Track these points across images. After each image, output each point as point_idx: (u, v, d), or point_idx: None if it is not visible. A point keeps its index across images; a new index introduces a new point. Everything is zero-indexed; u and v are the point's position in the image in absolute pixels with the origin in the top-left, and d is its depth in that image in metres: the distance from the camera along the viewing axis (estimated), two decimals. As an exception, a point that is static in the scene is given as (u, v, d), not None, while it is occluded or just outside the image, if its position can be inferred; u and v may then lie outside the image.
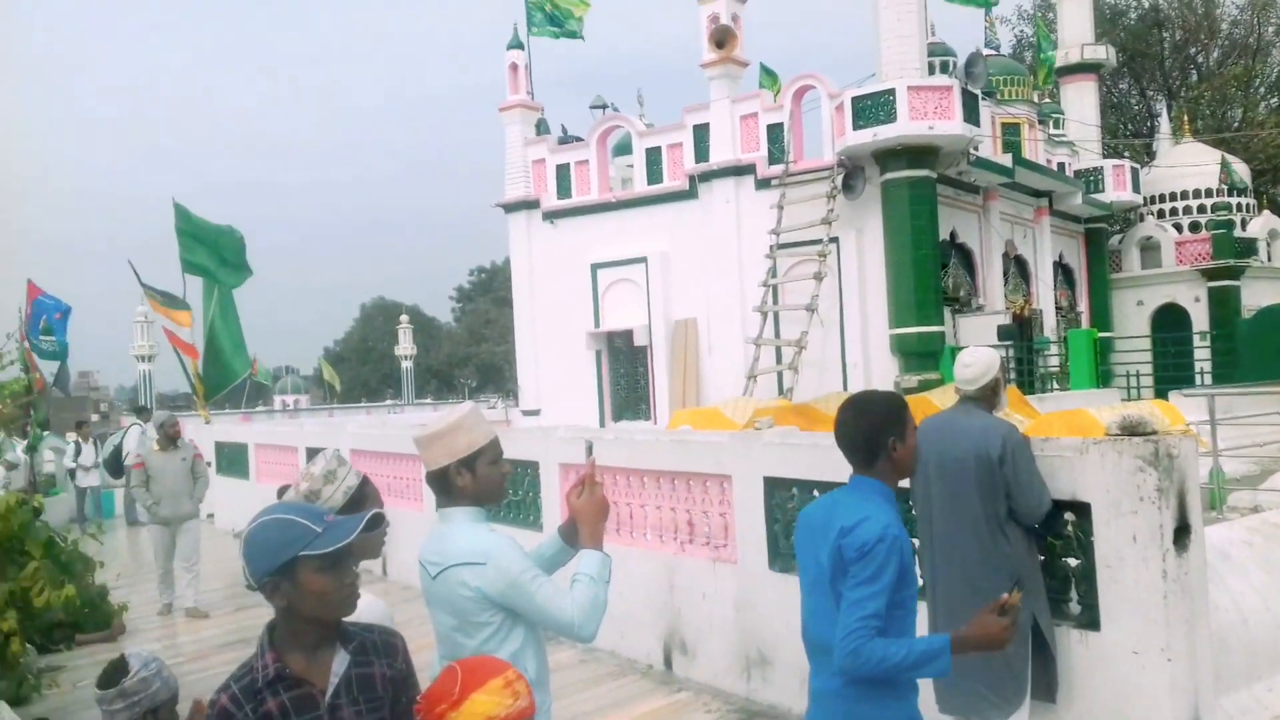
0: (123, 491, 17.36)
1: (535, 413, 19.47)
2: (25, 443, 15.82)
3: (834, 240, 15.04)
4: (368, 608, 2.84)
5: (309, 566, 2.27)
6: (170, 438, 10.07)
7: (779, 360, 15.56)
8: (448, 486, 3.04)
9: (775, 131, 16.15)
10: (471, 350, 61.28)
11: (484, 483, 3.05)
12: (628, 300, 17.80)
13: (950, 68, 16.87)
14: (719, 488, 6.94)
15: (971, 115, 14.65)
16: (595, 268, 18.15)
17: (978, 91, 15.38)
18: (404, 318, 49.51)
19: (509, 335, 50.07)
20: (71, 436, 18.30)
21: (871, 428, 3.10)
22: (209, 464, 11.74)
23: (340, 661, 2.38)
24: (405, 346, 47.08)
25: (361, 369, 65.92)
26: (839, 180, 14.95)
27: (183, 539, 9.92)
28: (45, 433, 17.00)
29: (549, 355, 19.24)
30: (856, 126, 14.35)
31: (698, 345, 17.13)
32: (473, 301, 67.32)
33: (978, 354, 4.56)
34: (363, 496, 3.12)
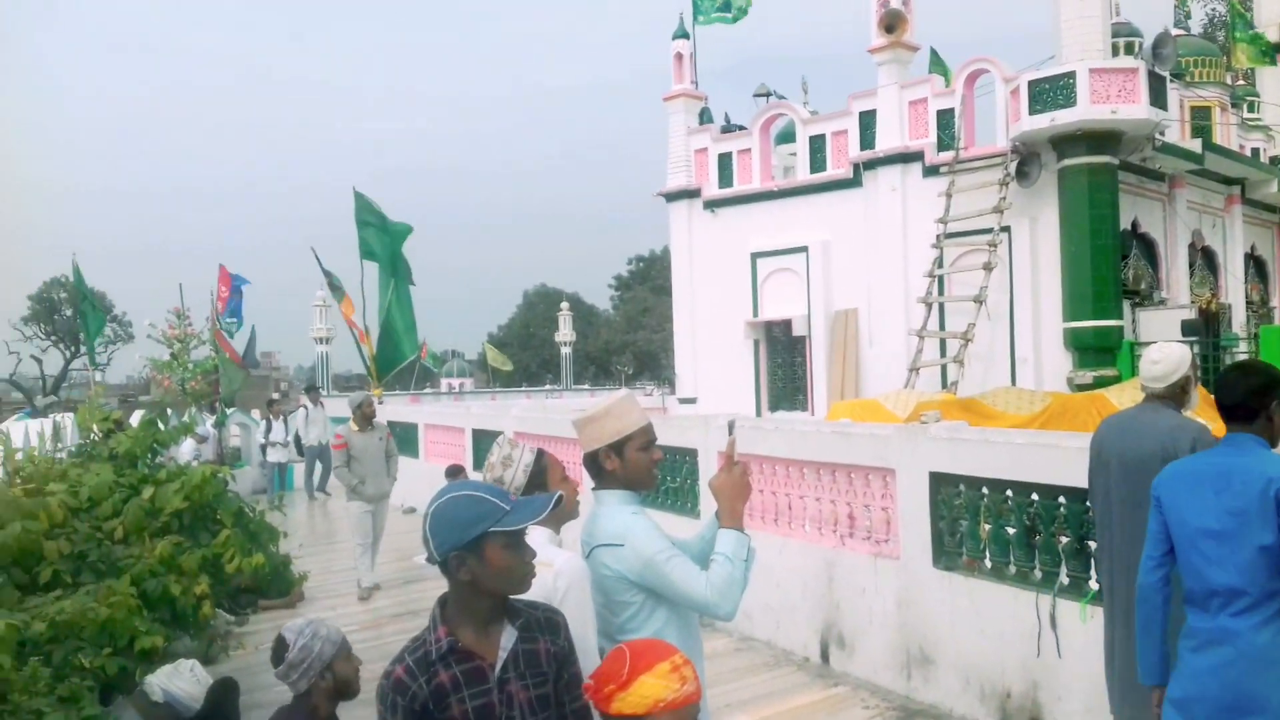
0: (302, 466, 18.26)
1: (692, 401, 19.52)
2: (214, 418, 16.82)
3: (1005, 229, 14.51)
4: (566, 564, 2.96)
5: (496, 543, 2.35)
6: (367, 418, 10.17)
7: (943, 353, 15.15)
8: (599, 470, 3.16)
9: (945, 118, 15.67)
10: (629, 338, 61.87)
11: (632, 467, 3.14)
12: (787, 290, 17.63)
13: (1136, 49, 15.96)
14: (881, 481, 6.83)
15: (1158, 99, 13.86)
16: (755, 257, 18.04)
17: (1165, 73, 14.51)
18: (564, 305, 50.35)
19: (666, 323, 50.40)
20: (257, 414, 19.41)
21: (1257, 388, 3.35)
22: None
23: (508, 637, 2.46)
24: (565, 333, 47.88)
25: (522, 354, 67.45)
26: (1012, 167, 14.40)
27: (381, 515, 10.21)
28: (231, 409, 18.01)
29: (706, 344, 19.25)
30: (1033, 111, 13.79)
31: (858, 336, 16.83)
32: (631, 290, 67.95)
33: (1167, 350, 4.32)
34: (542, 469, 3.24)
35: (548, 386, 51.05)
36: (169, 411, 7.66)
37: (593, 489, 3.23)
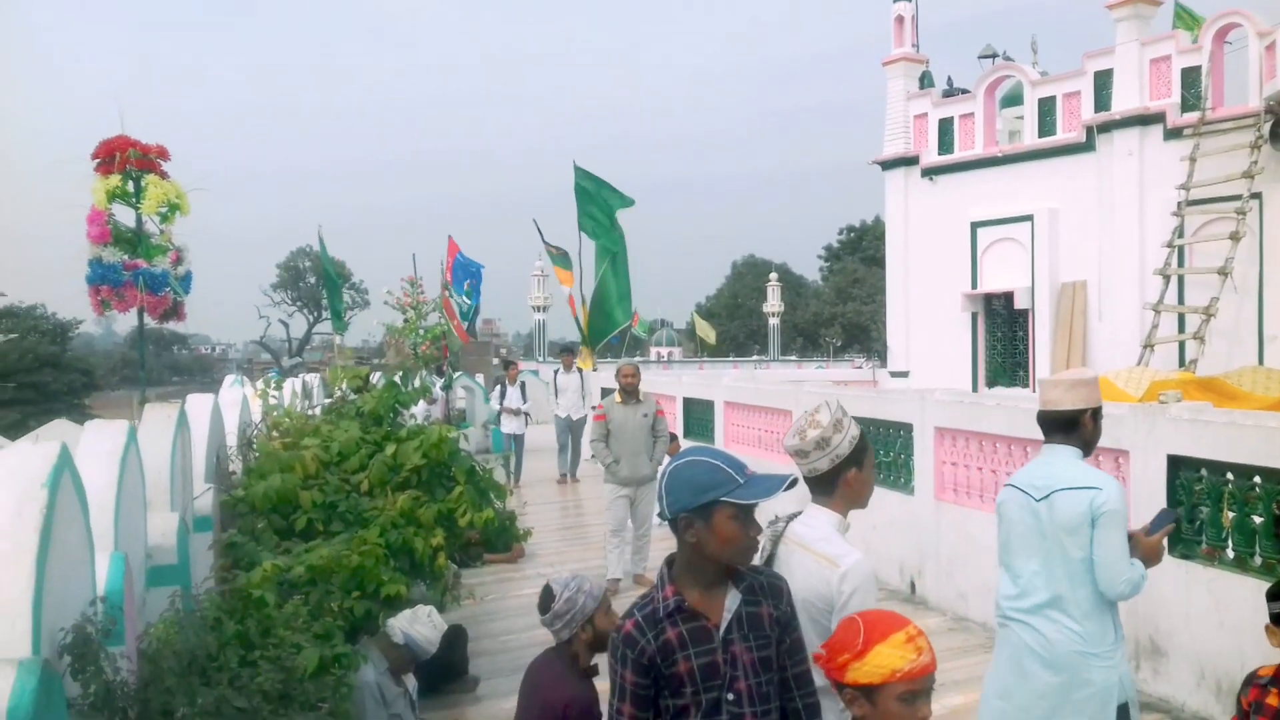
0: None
1: (904, 374, 19.10)
2: (442, 380, 17.68)
3: (1256, 196, 13.39)
4: (855, 567, 2.82)
5: (724, 512, 2.41)
6: (626, 389, 9.06)
7: (1182, 329, 14.18)
8: (1068, 425, 3.58)
9: (1190, 76, 14.57)
10: (837, 309, 60.94)
11: (1091, 434, 3.62)
12: (1009, 260, 16.94)
13: None
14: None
15: None
16: (975, 226, 17.40)
17: None
18: (773, 275, 50.14)
19: (876, 295, 49.37)
20: (481, 378, 19.59)
21: None
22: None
23: (732, 599, 2.52)
24: (773, 304, 47.71)
25: (730, 324, 67.61)
26: (1266, 128, 13.24)
27: (641, 505, 9.06)
28: (458, 373, 18.83)
29: (920, 316, 18.77)
30: (1291, 67, 12.66)
31: (1085, 310, 15.99)
32: (841, 260, 66.82)
33: None
34: (863, 448, 3.02)
35: (755, 357, 51.03)
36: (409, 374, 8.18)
37: (1046, 442, 3.65)
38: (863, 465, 3.00)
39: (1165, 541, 3.68)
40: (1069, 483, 3.48)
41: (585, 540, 11.12)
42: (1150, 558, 3.56)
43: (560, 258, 17.03)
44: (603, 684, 3.86)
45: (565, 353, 16.58)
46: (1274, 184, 13.43)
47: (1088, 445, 3.63)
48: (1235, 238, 13.20)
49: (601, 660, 3.98)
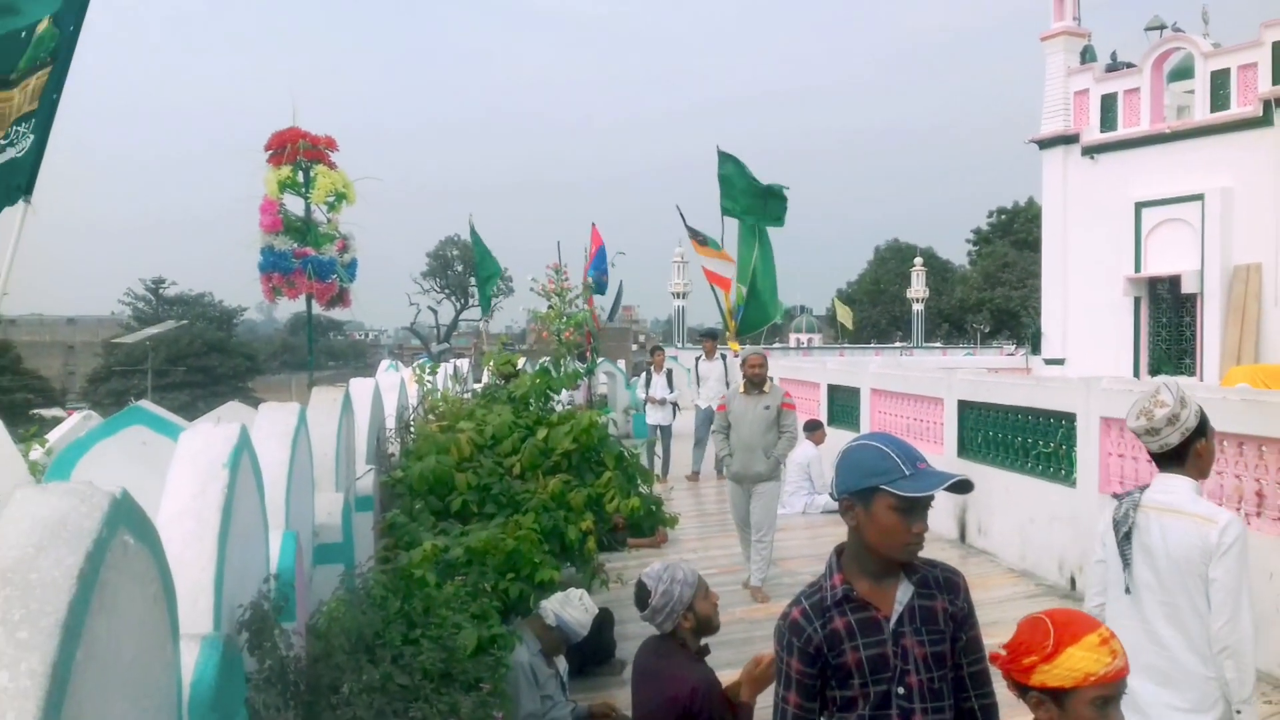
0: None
1: (1059, 362, 18.39)
2: (585, 366, 17.84)
3: None
4: (1231, 522, 3.12)
5: (885, 501, 2.34)
6: (752, 380, 8.27)
7: (1371, 315, 13.21)
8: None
9: (1385, 42, 13.55)
10: (985, 294, 58.99)
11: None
12: (1176, 242, 16.09)
13: None
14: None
15: None
16: (1140, 206, 16.58)
17: None
18: (918, 260, 48.96)
19: (1027, 279, 47.67)
20: (623, 364, 19.11)
21: None
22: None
23: (904, 591, 2.45)
24: (917, 289, 46.62)
25: (871, 310, 66.42)
26: None
27: (755, 504, 8.28)
28: (600, 359, 18.96)
29: (1078, 301, 18.02)
30: None
31: (1260, 294, 15.05)
32: (990, 244, 64.64)
33: None
34: (1205, 420, 3.26)
35: (898, 343, 50.00)
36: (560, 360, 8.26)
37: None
38: (1208, 435, 3.27)
39: None
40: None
41: (727, 527, 11.08)
42: None
43: (706, 240, 16.91)
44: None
45: (707, 337, 15.17)
46: None
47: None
48: None
49: (712, 642, 3.95)
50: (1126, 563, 3.37)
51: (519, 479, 6.22)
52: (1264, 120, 14.93)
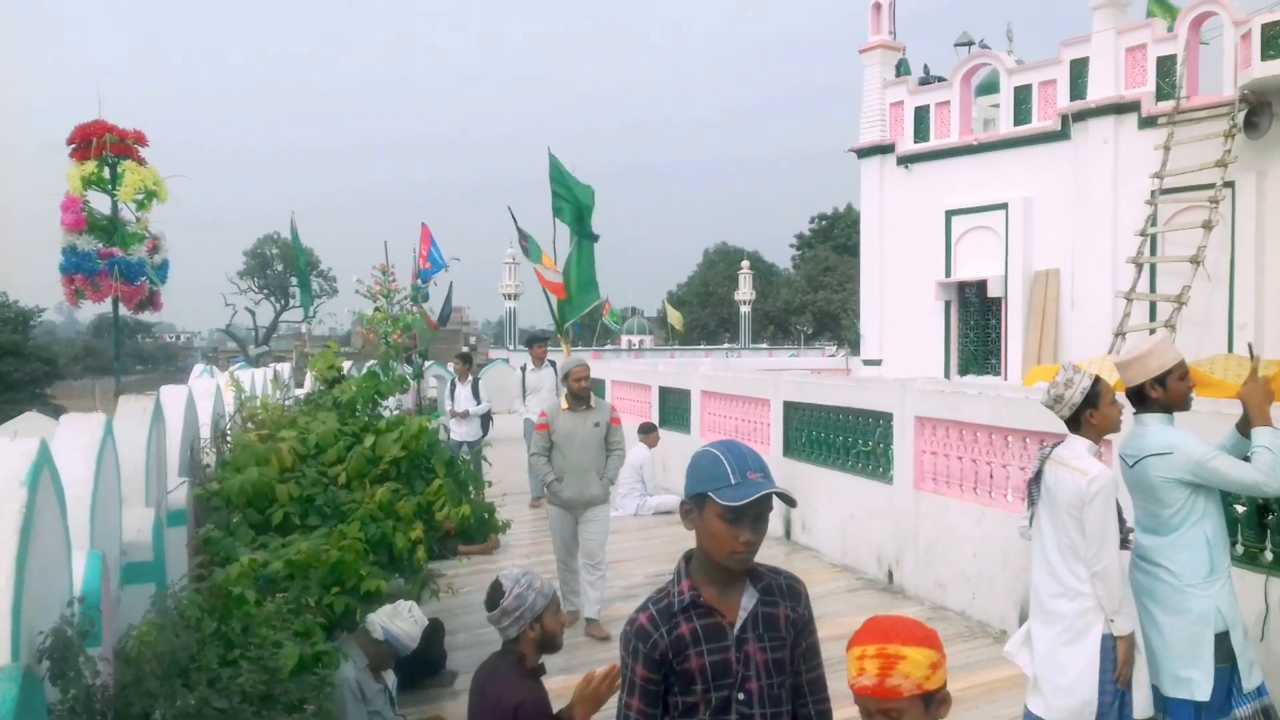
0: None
1: (877, 363, 19.14)
2: (412, 370, 17.41)
3: (1229, 185, 13.48)
4: (1100, 473, 4.02)
5: (713, 508, 2.36)
6: (577, 395, 7.49)
7: (1153, 317, 14.27)
8: (1142, 398, 4.12)
9: (1166, 65, 14.62)
10: (809, 297, 61.07)
11: (1173, 395, 4.09)
12: (983, 249, 16.97)
13: (1392, -15, 14.49)
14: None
15: None
16: (950, 214, 17.42)
17: None
18: (745, 263, 50.14)
19: (847, 283, 49.51)
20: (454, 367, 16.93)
21: None
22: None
23: (749, 598, 2.48)
24: (745, 292, 47.73)
25: (701, 312, 67.66)
26: (1240, 118, 13.32)
27: (586, 531, 7.52)
28: (429, 362, 18.57)
29: (894, 304, 18.79)
30: (1265, 57, 12.68)
31: (1059, 298, 16.05)
32: (813, 248, 66.93)
33: None
34: (1097, 393, 4.09)
35: (726, 345, 51.07)
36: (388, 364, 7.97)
37: (1135, 414, 4.17)
38: (1098, 406, 4.07)
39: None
40: (1151, 450, 4.06)
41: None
42: (1255, 395, 4.06)
43: (534, 245, 16.83)
44: (551, 684, 3.82)
45: (535, 343, 13.42)
46: (1247, 173, 13.53)
47: (1167, 409, 4.13)
48: (1208, 226, 13.28)
49: (550, 660, 3.93)
50: (1032, 500, 4.31)
51: (345, 489, 6.02)
52: (1062, 134, 15.94)
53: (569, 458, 7.39)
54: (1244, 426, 4.12)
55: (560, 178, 15.55)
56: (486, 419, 13.66)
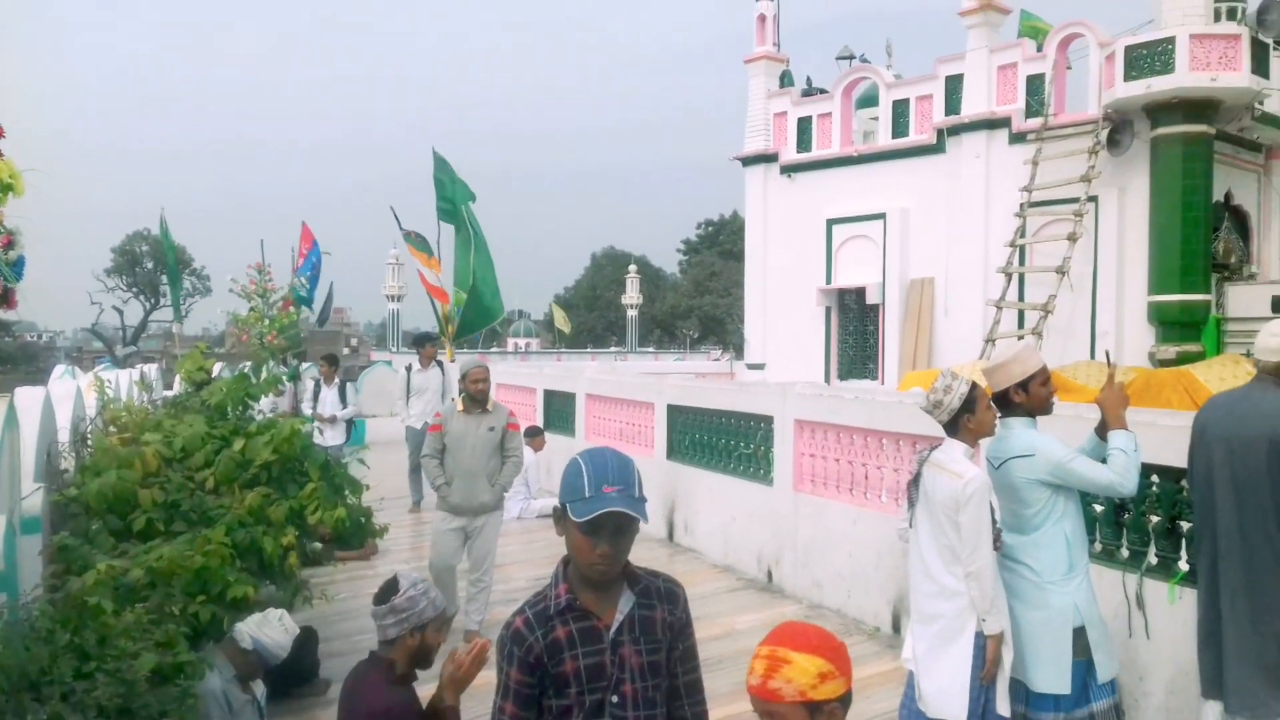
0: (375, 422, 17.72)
1: (760, 367, 19.43)
2: (288, 372, 16.94)
3: (1092, 199, 14.12)
4: (975, 476, 4.09)
5: (570, 520, 2.36)
6: (474, 397, 7.18)
7: (1021, 325, 14.85)
8: (1007, 403, 4.23)
9: (1035, 83, 15.25)
10: (695, 302, 61.68)
11: (1035, 399, 4.21)
12: (863, 257, 17.40)
13: (1239, 14, 15.34)
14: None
15: (1261, 67, 13.31)
16: (831, 223, 17.81)
17: (1269, 40, 13.95)
18: (632, 267, 50.36)
19: (733, 288, 50.13)
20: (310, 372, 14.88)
21: None
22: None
23: (626, 601, 2.48)
24: (632, 296, 47.93)
25: (588, 315, 67.68)
26: (1103, 135, 13.97)
27: (477, 540, 7.27)
28: (305, 364, 18.12)
29: (777, 310, 19.11)
30: (1128, 77, 13.33)
31: (933, 306, 16.56)
32: (699, 254, 67.63)
33: None
34: (974, 399, 4.18)
35: (613, 349, 51.18)
36: (259, 365, 7.67)
37: (1000, 418, 4.25)
38: (975, 411, 4.17)
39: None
40: (1014, 453, 4.18)
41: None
42: (1111, 400, 4.24)
43: (420, 243, 16.61)
44: (425, 690, 3.76)
45: (425, 342, 12.82)
46: (1109, 188, 14.18)
47: (1031, 413, 4.25)
48: (1072, 238, 13.87)
49: (425, 673, 3.88)
50: (911, 503, 4.37)
51: (213, 494, 5.81)
52: (938, 148, 16.46)
53: (460, 461, 7.13)
54: (1102, 430, 4.28)
55: (445, 177, 15.40)
56: (351, 425, 13.13)
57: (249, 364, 6.92)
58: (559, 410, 14.04)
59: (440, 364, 12.63)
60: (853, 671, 2.11)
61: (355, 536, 8.43)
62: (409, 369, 12.61)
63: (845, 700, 2.05)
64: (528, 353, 44.47)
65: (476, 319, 14.88)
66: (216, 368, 7.47)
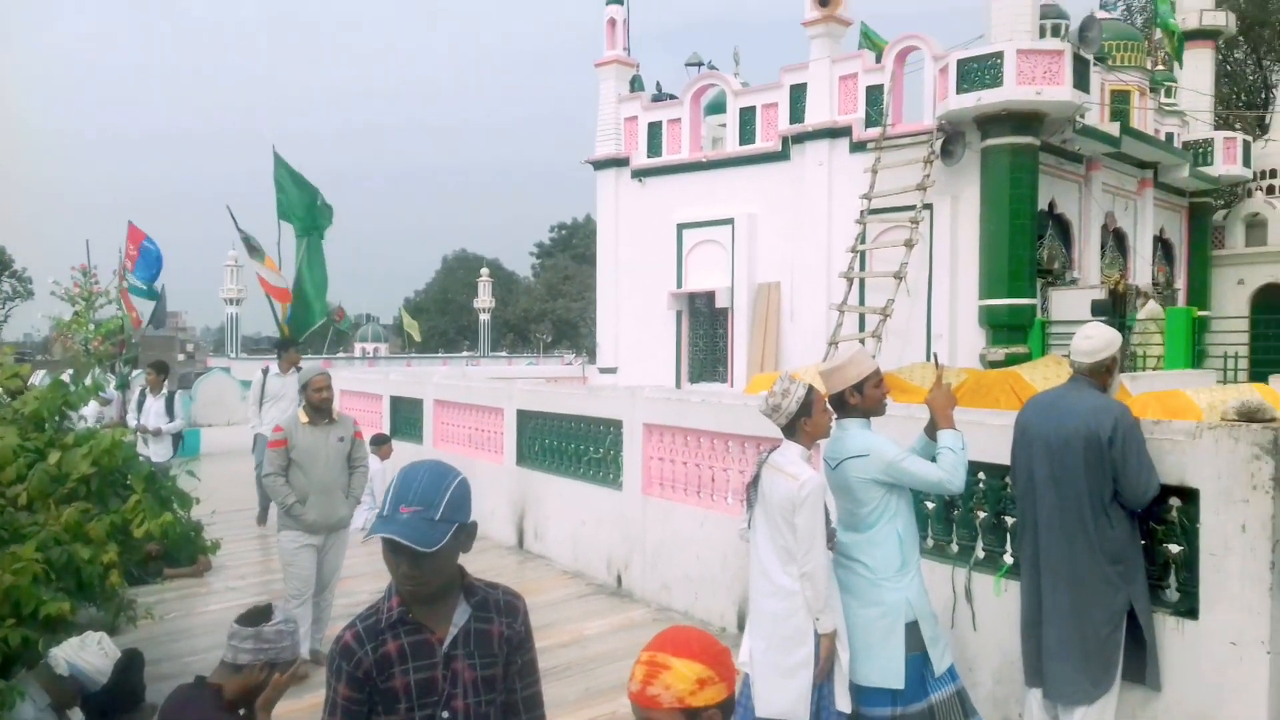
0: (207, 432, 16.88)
1: (612, 370, 19.49)
2: (116, 379, 15.99)
3: (928, 207, 14.70)
4: (810, 479, 4.16)
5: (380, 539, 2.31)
6: (319, 407, 6.80)
7: (862, 328, 15.33)
8: (843, 404, 4.35)
9: (874, 94, 15.77)
10: (548, 305, 61.60)
11: (869, 401, 4.34)
12: (712, 262, 17.66)
13: (1062, 31, 16.22)
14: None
15: (1081, 81, 14.12)
16: (681, 228, 18.01)
17: (1090, 57, 14.80)
18: (485, 271, 49.92)
19: (586, 292, 50.25)
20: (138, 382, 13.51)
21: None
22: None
23: (461, 614, 2.42)
24: (484, 299, 47.50)
25: (440, 319, 66.77)
26: (937, 145, 14.57)
27: (327, 557, 6.91)
28: (136, 371, 17.18)
29: (629, 314, 19.21)
30: (960, 90, 13.94)
31: (780, 309, 16.94)
32: (552, 257, 67.60)
33: (1101, 329, 4.45)
34: (810, 401, 4.30)
35: (465, 353, 50.61)
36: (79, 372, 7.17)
37: (836, 419, 4.38)
38: (812, 414, 4.30)
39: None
40: (849, 453, 4.29)
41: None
42: (940, 401, 4.41)
43: (256, 250, 16.00)
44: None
45: (286, 347, 11.98)
46: (943, 196, 14.79)
47: (865, 414, 4.38)
48: (909, 244, 14.40)
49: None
50: (749, 505, 4.46)
51: (26, 510, 5.43)
52: (783, 155, 16.85)
53: (313, 477, 6.69)
54: (931, 430, 4.43)
55: (286, 178, 14.91)
56: (179, 438, 12.32)
57: (71, 371, 6.49)
58: (407, 417, 13.76)
59: (299, 369, 11.89)
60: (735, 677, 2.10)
61: (185, 552, 8.05)
62: (265, 372, 11.86)
63: (726, 706, 2.05)
64: (375, 358, 43.51)
65: (300, 320, 14.37)
66: (38, 375, 6.96)
